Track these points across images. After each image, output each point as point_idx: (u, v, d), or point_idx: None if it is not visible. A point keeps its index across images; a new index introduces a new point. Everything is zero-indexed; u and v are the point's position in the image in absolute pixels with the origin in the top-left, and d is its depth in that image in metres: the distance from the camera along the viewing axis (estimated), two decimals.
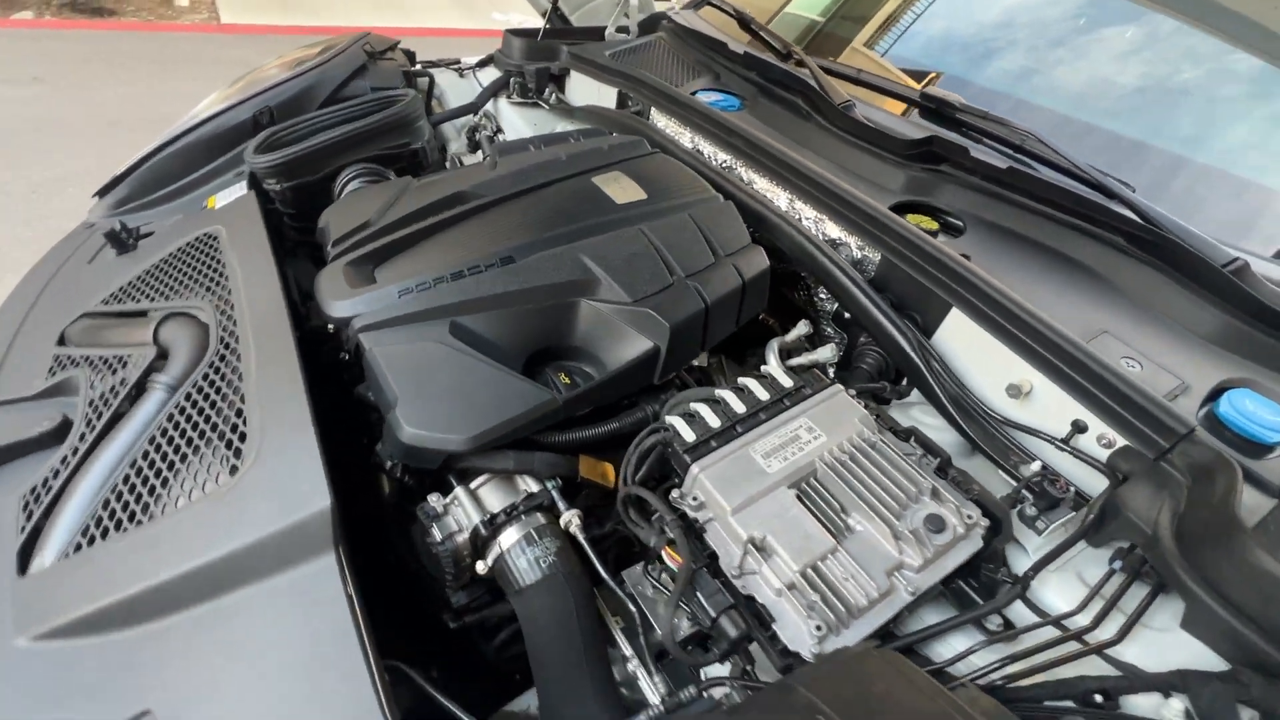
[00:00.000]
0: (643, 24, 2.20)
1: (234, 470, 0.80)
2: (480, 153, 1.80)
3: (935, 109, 1.36)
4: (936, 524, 0.76)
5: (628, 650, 0.85)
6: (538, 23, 2.03)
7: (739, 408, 0.89)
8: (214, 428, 0.86)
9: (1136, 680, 0.67)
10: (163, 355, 0.99)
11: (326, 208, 1.29)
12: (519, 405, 0.90)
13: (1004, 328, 0.98)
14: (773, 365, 1.15)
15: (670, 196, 1.23)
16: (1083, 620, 0.73)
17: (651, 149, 1.42)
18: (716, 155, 1.46)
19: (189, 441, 0.85)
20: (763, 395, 0.90)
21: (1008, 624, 0.76)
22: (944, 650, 0.76)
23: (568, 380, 1.02)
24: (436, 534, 0.86)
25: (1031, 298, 0.98)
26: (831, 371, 1.13)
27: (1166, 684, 0.66)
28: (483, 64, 2.10)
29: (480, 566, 0.87)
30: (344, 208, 1.26)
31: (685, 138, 1.54)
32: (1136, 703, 0.67)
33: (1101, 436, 0.89)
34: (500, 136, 1.84)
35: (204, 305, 1.06)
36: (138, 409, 0.90)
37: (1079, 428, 0.91)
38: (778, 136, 1.41)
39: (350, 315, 1.01)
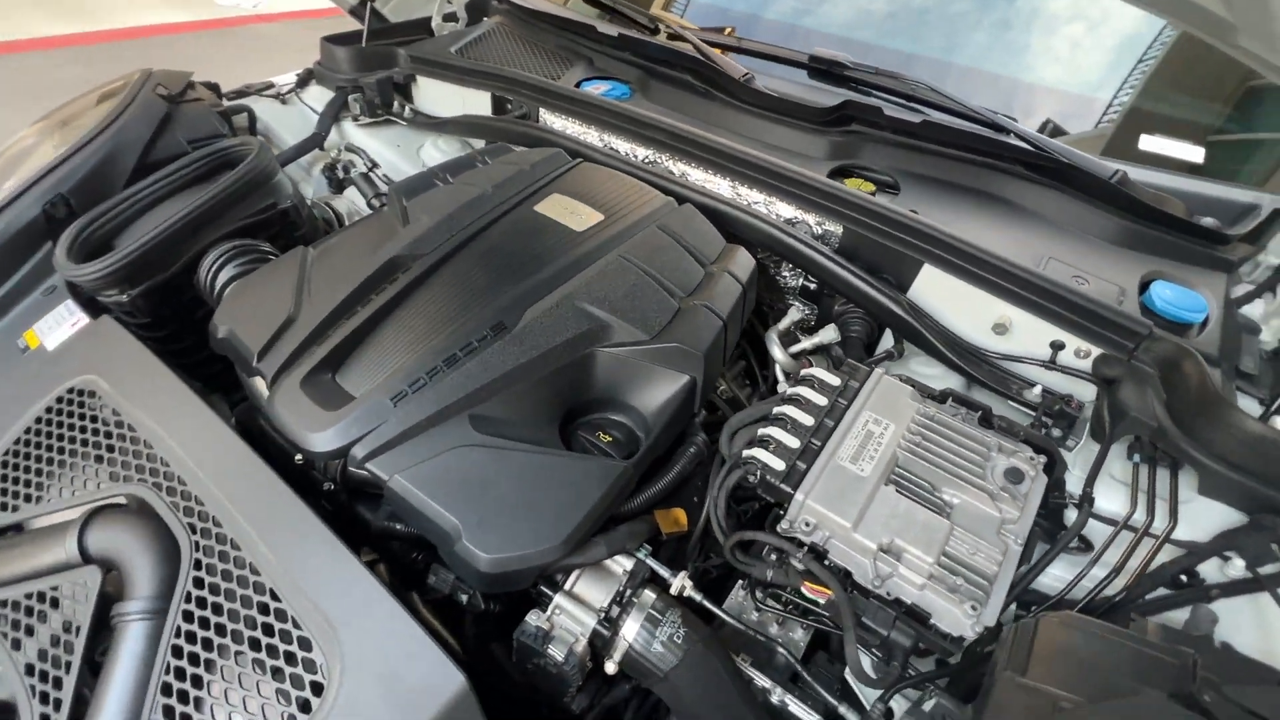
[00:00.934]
0: (468, 8, 2.00)
1: (315, 688, 0.65)
2: (361, 195, 1.55)
3: (826, 70, 1.42)
4: (1015, 475, 0.84)
5: (766, 683, 0.85)
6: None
7: (807, 419, 0.90)
8: (253, 644, 0.69)
9: (1198, 552, 0.81)
10: (108, 569, 0.75)
11: (208, 312, 1.05)
12: (596, 488, 0.82)
13: (975, 274, 1.08)
14: (781, 357, 1.17)
15: (626, 211, 1.16)
16: (1140, 516, 0.86)
17: (573, 159, 1.32)
18: (636, 152, 1.40)
19: (225, 674, 0.67)
20: (821, 400, 0.92)
21: (1085, 542, 0.88)
22: (1052, 584, 0.86)
23: (609, 438, 0.95)
24: (556, 654, 0.78)
25: (980, 239, 1.09)
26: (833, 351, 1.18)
27: (1220, 548, 0.81)
28: (303, 83, 1.78)
29: (610, 667, 0.80)
30: (242, 308, 1.03)
31: (592, 137, 1.45)
32: (1204, 571, 0.82)
33: (1079, 350, 1.04)
34: (378, 172, 1.59)
35: (133, 486, 0.81)
36: (117, 656, 0.69)
37: (1057, 347, 1.05)
38: (691, 120, 1.38)
39: (344, 445, 0.84)
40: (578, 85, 1.56)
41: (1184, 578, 0.80)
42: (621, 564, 0.86)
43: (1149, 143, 1.27)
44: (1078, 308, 1.02)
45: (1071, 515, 0.91)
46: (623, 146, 1.41)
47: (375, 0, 1.91)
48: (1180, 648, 0.60)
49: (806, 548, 0.80)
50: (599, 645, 0.81)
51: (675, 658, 0.79)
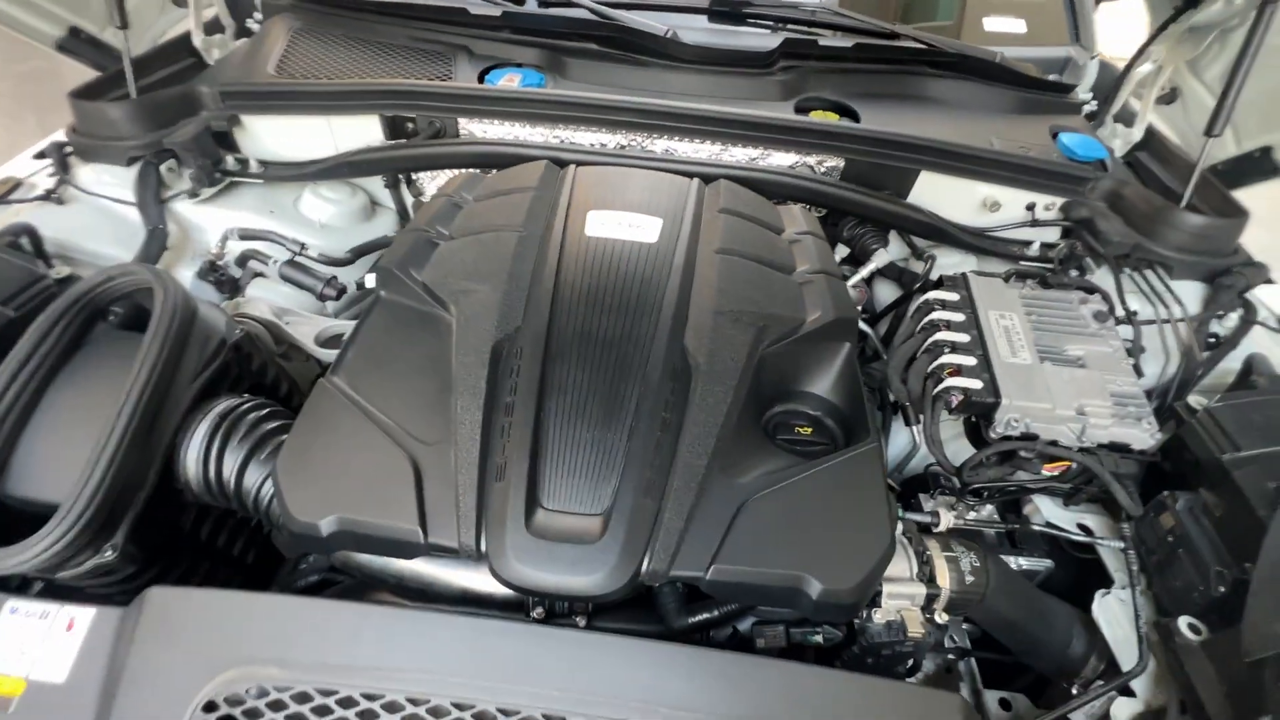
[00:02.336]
0: (232, 10, 1.55)
1: None
2: (297, 287, 1.18)
3: (729, 11, 1.43)
4: (1101, 316, 1.06)
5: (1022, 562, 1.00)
6: None
7: (963, 337, 1.00)
8: None
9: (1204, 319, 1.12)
10: None
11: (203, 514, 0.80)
12: (875, 476, 0.83)
13: (961, 167, 1.26)
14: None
15: (676, 207, 1.09)
16: (1164, 310, 1.15)
17: (560, 167, 1.17)
18: (605, 141, 1.28)
19: None
20: (960, 317, 1.02)
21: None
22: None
23: (807, 430, 0.95)
24: (914, 633, 0.82)
25: (940, 136, 1.27)
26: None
27: (1210, 315, 1.13)
28: (64, 166, 1.24)
29: (941, 618, 0.87)
30: (331, 487, 0.79)
31: (538, 136, 1.29)
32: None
33: (1048, 205, 1.29)
34: (310, 253, 1.21)
35: None
36: None
37: (1031, 207, 1.29)
38: (640, 92, 1.31)
39: (634, 569, 0.72)
40: (481, 81, 1.34)
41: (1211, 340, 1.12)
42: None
43: (991, 23, 1.55)
44: (1039, 171, 1.26)
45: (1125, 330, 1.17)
46: (587, 138, 1.28)
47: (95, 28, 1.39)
48: None
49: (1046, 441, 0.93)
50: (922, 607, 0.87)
51: (984, 581, 0.88)
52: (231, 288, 1.18)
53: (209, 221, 1.27)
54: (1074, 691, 0.91)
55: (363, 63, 1.39)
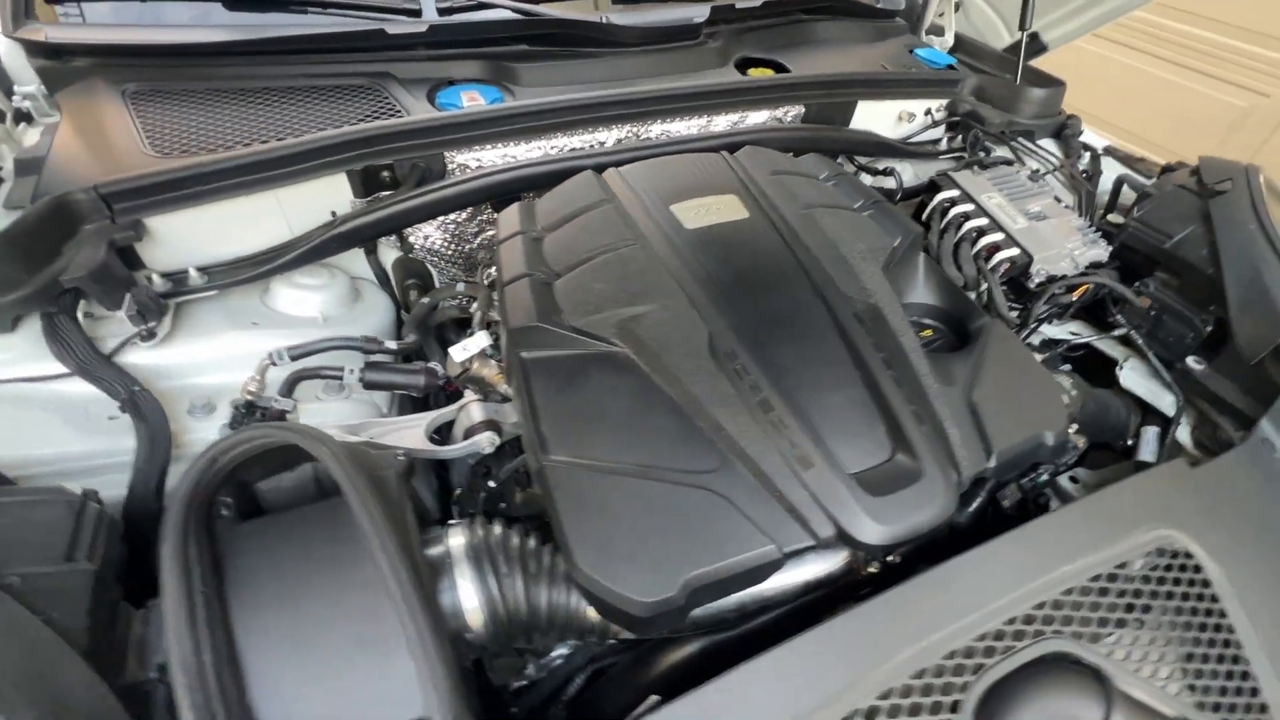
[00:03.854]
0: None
1: None
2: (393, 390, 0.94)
3: None
4: (1035, 176, 1.38)
5: None
6: None
7: (982, 220, 1.23)
8: None
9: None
10: None
11: None
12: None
13: (885, 91, 1.49)
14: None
15: (735, 181, 1.13)
16: (1062, 156, 1.52)
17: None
18: (605, 140, 1.24)
19: None
20: (970, 206, 1.25)
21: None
22: None
23: (929, 332, 1.11)
24: None
25: (852, 68, 1.50)
26: None
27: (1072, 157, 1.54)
28: None
29: None
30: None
31: (543, 151, 1.20)
32: None
33: (938, 108, 1.59)
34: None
35: None
36: None
37: (928, 112, 1.59)
38: (613, 84, 1.28)
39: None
40: (442, 109, 1.19)
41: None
42: None
43: None
44: (930, 82, 1.55)
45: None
46: (582, 141, 1.23)
47: None
48: None
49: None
50: None
51: (1079, 396, 1.14)
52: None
53: (181, 363, 0.96)
54: (1129, 443, 1.24)
55: (267, 117, 1.13)
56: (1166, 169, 1.41)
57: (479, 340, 1.01)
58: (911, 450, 0.82)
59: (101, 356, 0.88)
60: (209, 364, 0.98)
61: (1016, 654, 0.69)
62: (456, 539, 0.76)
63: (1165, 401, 1.18)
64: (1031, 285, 1.21)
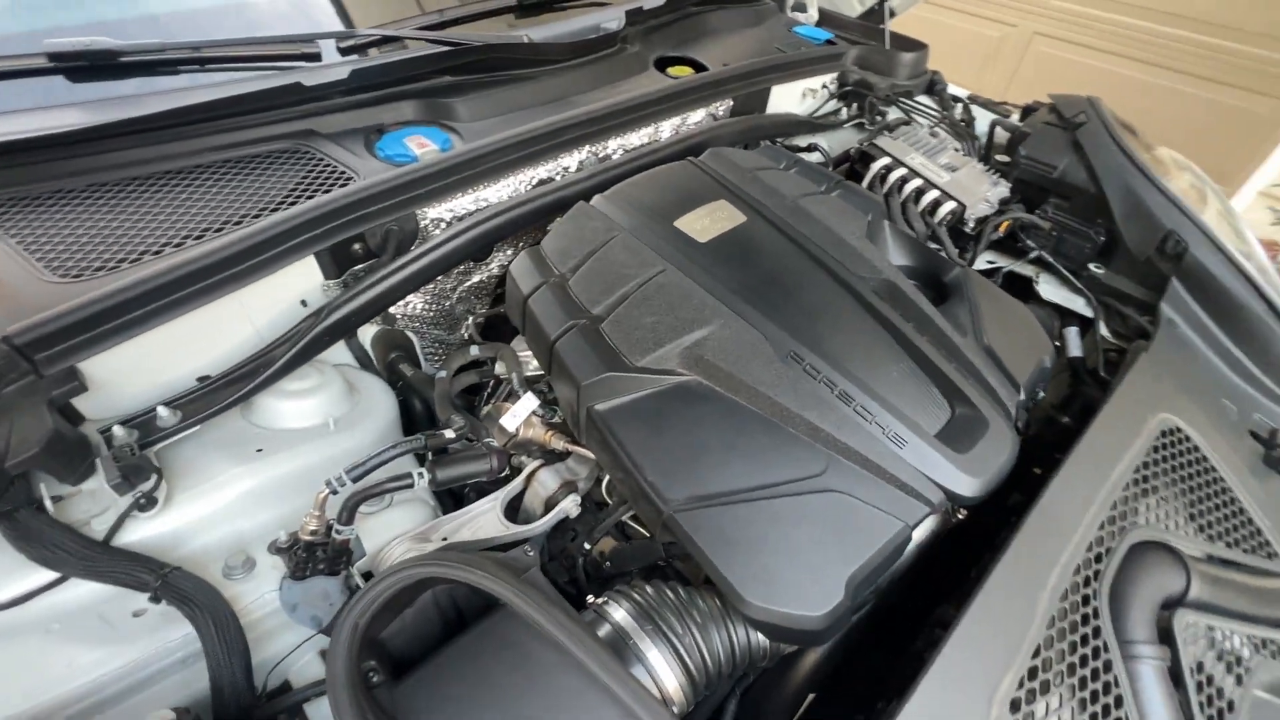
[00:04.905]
0: None
1: None
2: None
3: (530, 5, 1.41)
4: (934, 133, 1.55)
5: None
6: None
7: (919, 181, 1.37)
8: None
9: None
10: None
11: None
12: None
13: (793, 74, 1.58)
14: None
15: (716, 187, 1.15)
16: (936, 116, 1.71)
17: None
18: (569, 164, 1.19)
19: None
20: (904, 170, 1.38)
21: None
22: None
23: None
24: None
25: (754, 53, 1.58)
26: None
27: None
28: None
29: None
30: None
31: (512, 189, 1.13)
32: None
33: (830, 81, 1.72)
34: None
35: None
36: None
37: (825, 86, 1.71)
38: (559, 107, 1.24)
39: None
40: (390, 160, 1.07)
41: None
42: None
43: None
44: (822, 58, 1.67)
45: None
46: (545, 171, 1.17)
47: None
48: None
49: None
50: None
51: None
52: (343, 559, 0.80)
53: (189, 523, 0.79)
54: (1056, 344, 1.47)
55: (183, 205, 0.95)
56: (1027, 109, 1.65)
57: (527, 404, 0.95)
58: (969, 403, 0.91)
59: (101, 545, 0.71)
60: (221, 514, 0.82)
61: (1115, 554, 0.82)
62: (618, 612, 0.73)
63: (1078, 304, 1.40)
64: (968, 229, 1.38)
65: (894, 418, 0.86)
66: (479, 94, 1.22)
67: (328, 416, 0.94)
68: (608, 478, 0.97)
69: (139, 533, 0.76)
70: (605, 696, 0.58)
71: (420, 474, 0.82)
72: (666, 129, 1.35)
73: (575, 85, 1.32)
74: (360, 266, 1.01)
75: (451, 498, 1.06)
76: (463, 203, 1.09)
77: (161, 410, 0.84)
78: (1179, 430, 0.99)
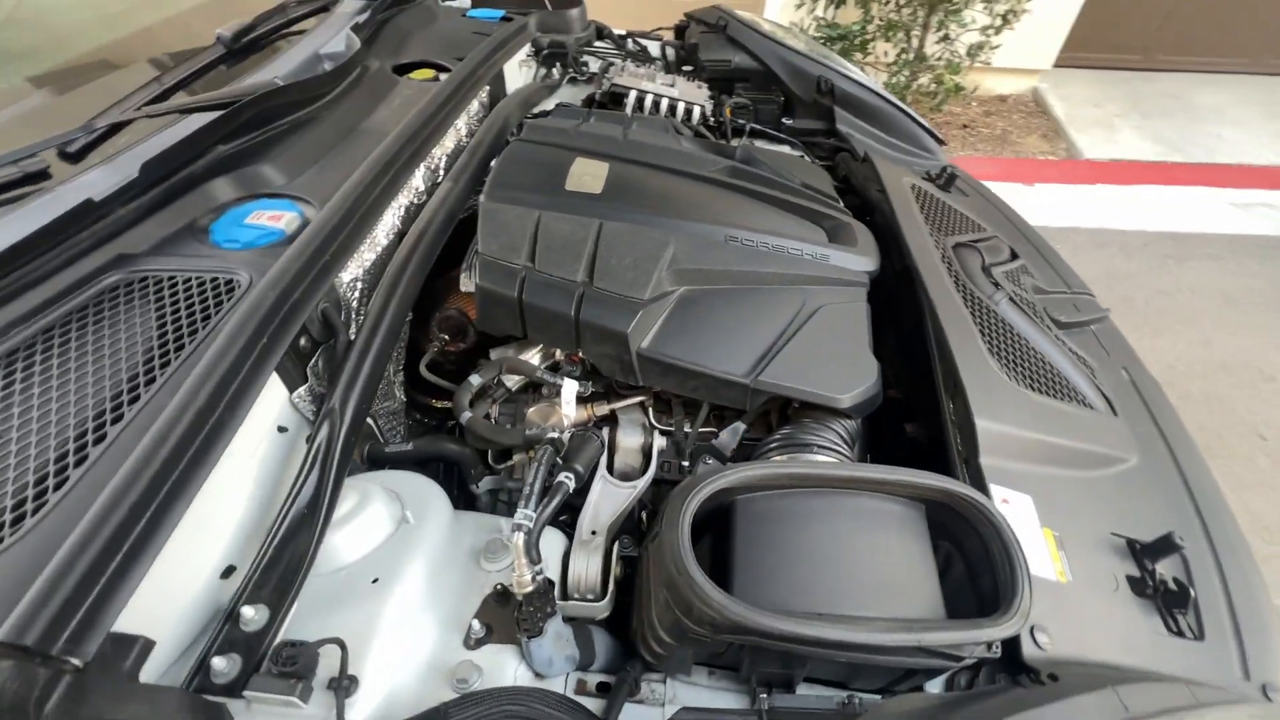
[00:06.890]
0: None
1: None
2: None
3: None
4: (640, 65, 1.85)
5: None
6: None
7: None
8: None
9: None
10: None
11: None
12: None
13: (508, 53, 1.69)
14: None
15: (567, 138, 1.24)
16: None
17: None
18: (416, 184, 1.14)
19: None
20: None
21: None
22: None
23: None
24: None
25: None
26: None
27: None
28: None
29: None
30: None
31: (392, 215, 1.05)
32: None
33: (530, 50, 1.87)
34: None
35: None
36: None
37: (529, 55, 1.85)
38: (348, 135, 1.16)
39: None
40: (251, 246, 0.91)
41: None
42: None
43: None
44: (514, 33, 1.80)
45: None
46: (406, 198, 1.12)
47: None
48: None
49: None
50: None
51: None
52: (550, 590, 0.76)
53: (388, 675, 0.66)
54: None
55: (35, 413, 0.70)
56: (679, 28, 2.06)
57: (570, 388, 0.99)
58: (829, 218, 1.25)
59: None
60: (402, 651, 0.71)
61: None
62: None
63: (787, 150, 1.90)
64: (710, 123, 1.73)
65: (809, 244, 1.15)
66: (279, 150, 1.07)
67: (400, 511, 0.84)
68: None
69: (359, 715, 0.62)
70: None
71: (568, 477, 0.82)
72: (462, 126, 1.36)
73: (359, 111, 1.24)
74: (316, 358, 0.87)
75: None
76: (365, 255, 0.99)
77: (246, 611, 0.67)
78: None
